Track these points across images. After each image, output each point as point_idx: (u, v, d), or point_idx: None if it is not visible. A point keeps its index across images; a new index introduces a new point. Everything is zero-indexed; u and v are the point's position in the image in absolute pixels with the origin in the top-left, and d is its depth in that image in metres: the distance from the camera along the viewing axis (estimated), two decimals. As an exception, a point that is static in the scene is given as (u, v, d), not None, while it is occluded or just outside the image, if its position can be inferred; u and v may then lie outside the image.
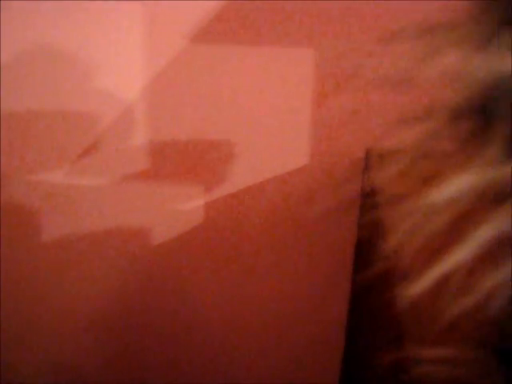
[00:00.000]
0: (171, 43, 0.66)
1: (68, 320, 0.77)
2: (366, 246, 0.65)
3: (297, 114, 0.69)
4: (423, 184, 0.22)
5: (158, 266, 0.75)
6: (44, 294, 0.75)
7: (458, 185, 0.21)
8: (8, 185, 0.70)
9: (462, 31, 0.25)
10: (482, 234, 0.20)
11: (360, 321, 0.67)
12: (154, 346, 0.79)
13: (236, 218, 0.73)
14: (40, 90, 0.67)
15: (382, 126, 0.67)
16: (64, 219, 0.72)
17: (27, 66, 0.66)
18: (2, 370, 0.78)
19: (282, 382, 0.80)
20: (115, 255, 0.74)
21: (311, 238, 0.74)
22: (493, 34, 0.25)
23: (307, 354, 0.79)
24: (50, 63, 0.66)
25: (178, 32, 0.66)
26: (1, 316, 0.75)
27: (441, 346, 0.32)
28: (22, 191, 0.71)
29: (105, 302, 0.76)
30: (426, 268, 0.21)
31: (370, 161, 0.67)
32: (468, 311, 0.22)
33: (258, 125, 0.69)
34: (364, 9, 0.64)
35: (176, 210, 0.72)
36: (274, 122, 0.69)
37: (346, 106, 0.67)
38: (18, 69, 0.66)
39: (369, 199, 0.63)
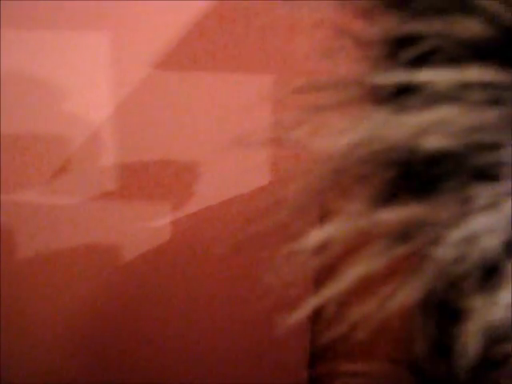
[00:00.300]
0: (136, 70, 0.70)
1: (43, 334, 0.80)
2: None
3: (257, 135, 0.72)
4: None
5: (127, 280, 0.78)
6: (18, 311, 0.79)
7: (328, 231, 0.24)
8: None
9: (350, 91, 0.28)
10: (353, 273, 0.24)
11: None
12: (125, 358, 0.82)
13: (201, 234, 0.76)
14: (12, 114, 0.71)
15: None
16: (36, 237, 0.76)
17: None
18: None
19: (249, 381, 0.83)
20: (86, 272, 0.77)
21: (275, 249, 0.77)
22: (378, 98, 0.28)
23: (275, 354, 0.82)
24: (21, 88, 0.70)
25: (142, 59, 0.69)
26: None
27: (357, 361, 0.35)
28: (-4, 210, 0.74)
29: (77, 317, 0.79)
30: (303, 299, 0.25)
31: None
32: (343, 336, 0.26)
33: (220, 146, 0.73)
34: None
35: (144, 228, 0.76)
36: (236, 143, 0.73)
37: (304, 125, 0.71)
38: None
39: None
